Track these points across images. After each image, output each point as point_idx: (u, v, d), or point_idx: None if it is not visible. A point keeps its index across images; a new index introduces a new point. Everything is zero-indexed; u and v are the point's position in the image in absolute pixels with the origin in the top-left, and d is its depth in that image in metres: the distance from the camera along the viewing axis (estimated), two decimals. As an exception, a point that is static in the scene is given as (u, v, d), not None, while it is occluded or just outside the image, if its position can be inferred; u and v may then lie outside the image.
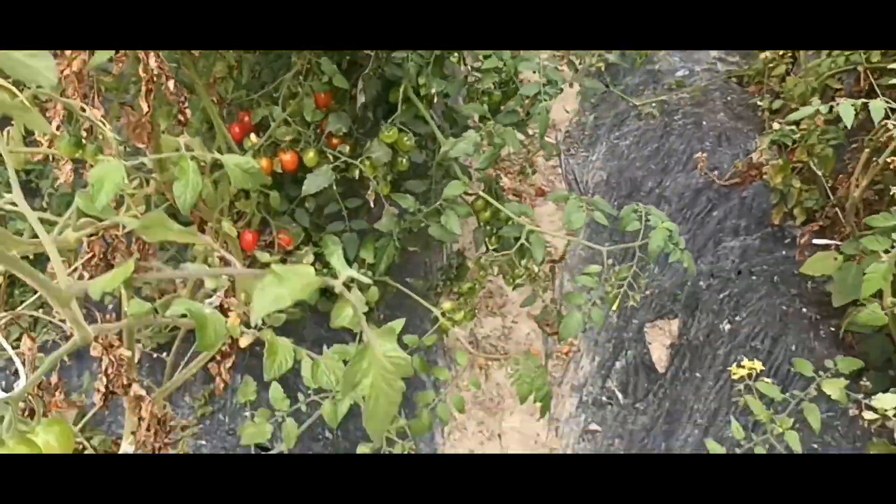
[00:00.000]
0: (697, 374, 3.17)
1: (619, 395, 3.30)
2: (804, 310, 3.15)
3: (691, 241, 3.72)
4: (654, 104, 4.47)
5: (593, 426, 3.23)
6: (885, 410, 1.95)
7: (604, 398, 3.32)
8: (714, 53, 4.67)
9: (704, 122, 4.22)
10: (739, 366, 2.28)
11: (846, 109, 2.18)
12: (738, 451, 2.20)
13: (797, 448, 2.10)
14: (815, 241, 3.12)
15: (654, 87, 4.63)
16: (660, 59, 4.72)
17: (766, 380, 2.25)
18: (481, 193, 2.34)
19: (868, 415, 1.94)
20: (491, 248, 2.44)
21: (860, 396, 1.99)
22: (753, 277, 3.37)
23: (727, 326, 3.26)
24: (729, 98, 4.33)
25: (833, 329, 3.04)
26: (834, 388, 1.98)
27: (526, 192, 4.39)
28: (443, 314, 2.33)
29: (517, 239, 2.26)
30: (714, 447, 2.24)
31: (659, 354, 3.39)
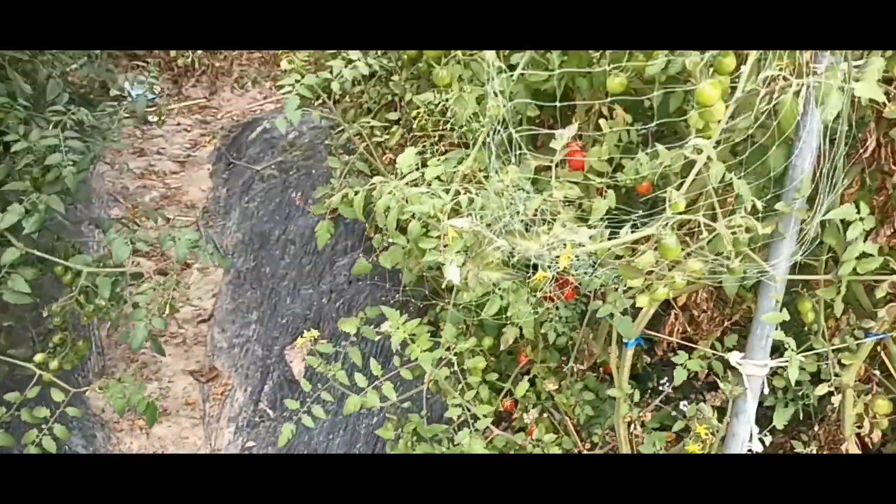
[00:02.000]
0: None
1: (269, 412, 3.72)
2: (397, 296, 3.81)
3: (314, 269, 4.31)
4: (272, 166, 5.09)
5: (249, 443, 3.61)
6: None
7: (256, 419, 3.72)
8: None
9: (314, 171, 4.89)
10: (302, 337, 2.81)
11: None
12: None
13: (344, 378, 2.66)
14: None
15: (272, 151, 5.25)
16: (272, 126, 5.36)
17: (323, 341, 2.80)
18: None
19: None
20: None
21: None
22: (360, 282, 4.00)
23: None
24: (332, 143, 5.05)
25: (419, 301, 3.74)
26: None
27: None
28: (37, 366, 2.62)
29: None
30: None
31: (299, 368, 3.87)
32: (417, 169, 1.78)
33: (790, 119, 1.47)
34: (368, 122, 2.66)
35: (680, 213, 1.45)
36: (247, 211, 4.92)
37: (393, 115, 3.22)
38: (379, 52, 3.07)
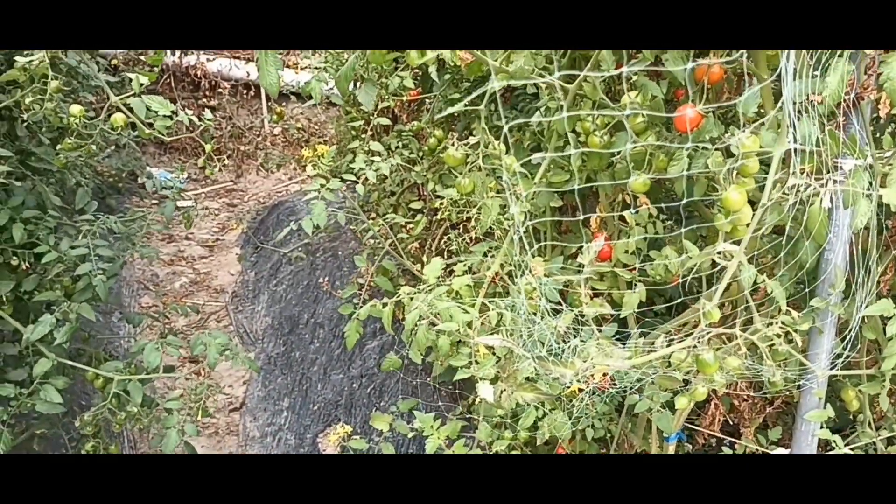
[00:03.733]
0: (359, 462, 3.64)
1: (303, 504, 3.66)
2: (428, 380, 3.78)
3: (343, 353, 4.29)
4: (300, 248, 5.13)
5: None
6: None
7: (291, 511, 3.66)
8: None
9: (340, 253, 4.92)
10: (334, 431, 2.78)
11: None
12: None
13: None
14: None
15: (299, 233, 5.30)
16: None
17: (356, 437, 2.76)
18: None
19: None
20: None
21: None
22: (390, 366, 3.98)
23: (376, 412, 3.79)
24: (356, 227, 5.09)
25: (449, 387, 3.70)
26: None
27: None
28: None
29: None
30: None
31: (332, 457, 3.82)
32: (443, 279, 1.77)
33: (822, 232, 1.45)
34: (392, 218, 2.68)
35: (716, 324, 1.42)
36: (275, 295, 4.94)
37: (416, 204, 3.25)
38: (401, 145, 3.11)
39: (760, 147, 1.57)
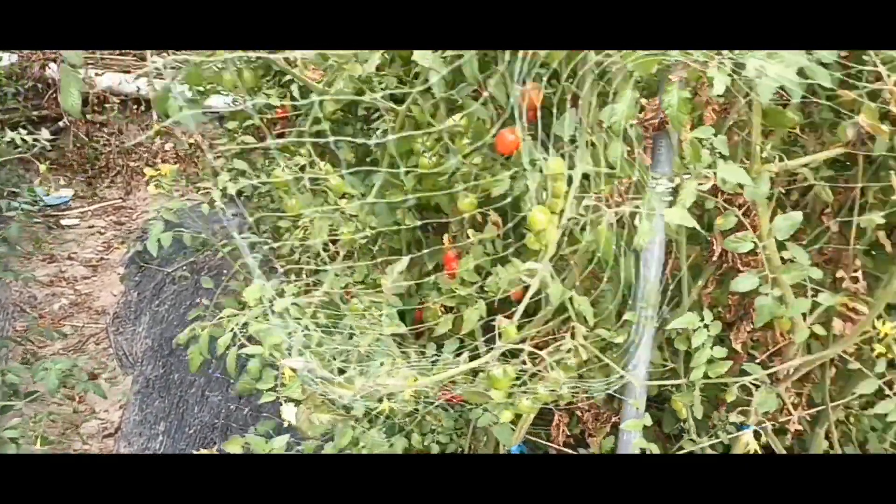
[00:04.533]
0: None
1: (176, 531, 3.56)
2: (305, 398, 3.75)
3: (224, 374, 4.21)
4: (184, 267, 5.02)
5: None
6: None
7: (162, 539, 3.55)
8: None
9: (225, 272, 4.83)
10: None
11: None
12: None
13: None
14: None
15: (184, 252, 5.17)
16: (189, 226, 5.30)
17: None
18: None
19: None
20: None
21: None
22: (269, 386, 3.92)
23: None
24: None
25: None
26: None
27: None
28: None
29: None
30: None
31: (208, 481, 3.74)
32: (270, 301, 1.76)
33: (608, 248, 1.51)
34: (248, 237, 2.64)
35: (513, 343, 1.45)
36: (157, 315, 4.82)
37: (284, 223, 3.22)
38: (267, 162, 3.09)
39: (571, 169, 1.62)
